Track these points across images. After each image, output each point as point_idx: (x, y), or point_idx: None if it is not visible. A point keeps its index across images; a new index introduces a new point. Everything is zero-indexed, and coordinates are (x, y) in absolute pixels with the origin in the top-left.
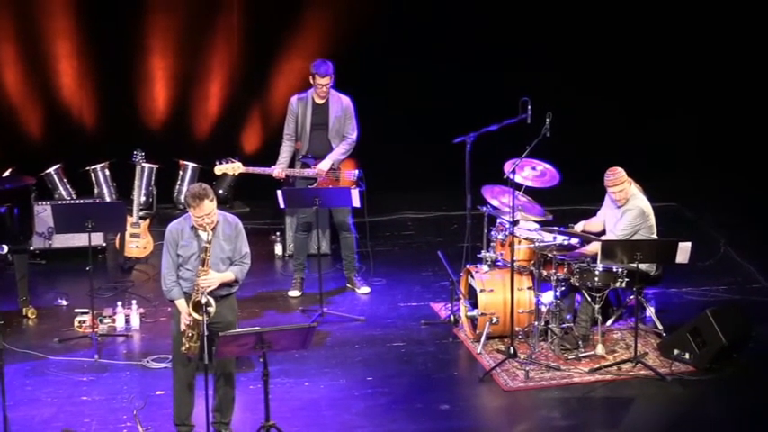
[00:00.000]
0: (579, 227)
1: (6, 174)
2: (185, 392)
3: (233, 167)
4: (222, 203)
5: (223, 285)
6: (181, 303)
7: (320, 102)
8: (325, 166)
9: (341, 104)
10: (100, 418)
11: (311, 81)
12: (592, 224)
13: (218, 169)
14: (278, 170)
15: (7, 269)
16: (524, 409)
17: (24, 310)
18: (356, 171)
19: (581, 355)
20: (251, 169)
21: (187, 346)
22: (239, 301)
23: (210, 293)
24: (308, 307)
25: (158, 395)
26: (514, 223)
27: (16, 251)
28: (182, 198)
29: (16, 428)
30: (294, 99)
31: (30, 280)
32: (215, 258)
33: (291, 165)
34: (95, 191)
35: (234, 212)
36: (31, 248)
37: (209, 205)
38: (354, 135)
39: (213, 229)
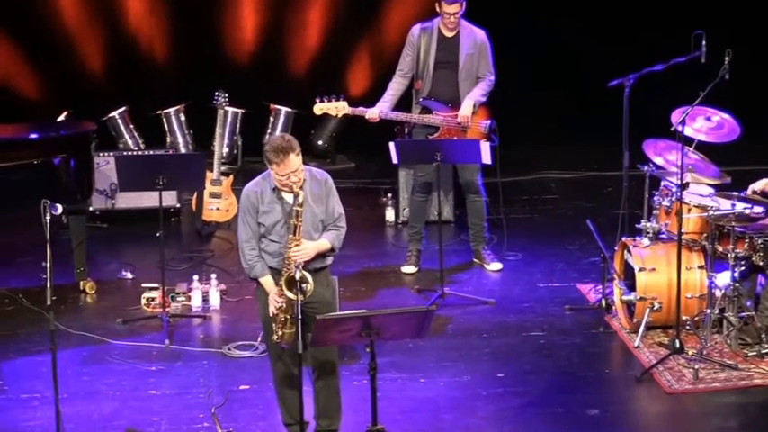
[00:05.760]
0: (759, 185)
1: (62, 118)
2: (288, 386)
3: (336, 107)
4: (322, 158)
5: (317, 257)
6: (267, 281)
7: (449, 35)
8: (466, 110)
9: (474, 39)
10: (171, 415)
11: (437, 8)
12: None
13: (319, 108)
14: (372, 111)
15: (62, 234)
16: (692, 416)
17: (82, 283)
18: (488, 121)
19: (764, 351)
20: (359, 111)
21: (280, 333)
22: (342, 279)
23: (305, 267)
24: (425, 286)
25: (242, 390)
26: (683, 187)
27: (72, 212)
28: None
29: (71, 426)
30: (416, 29)
31: (88, 247)
32: (306, 224)
33: (408, 109)
34: (168, 140)
35: (336, 169)
36: (91, 209)
37: (296, 160)
38: (493, 77)
39: (301, 189)
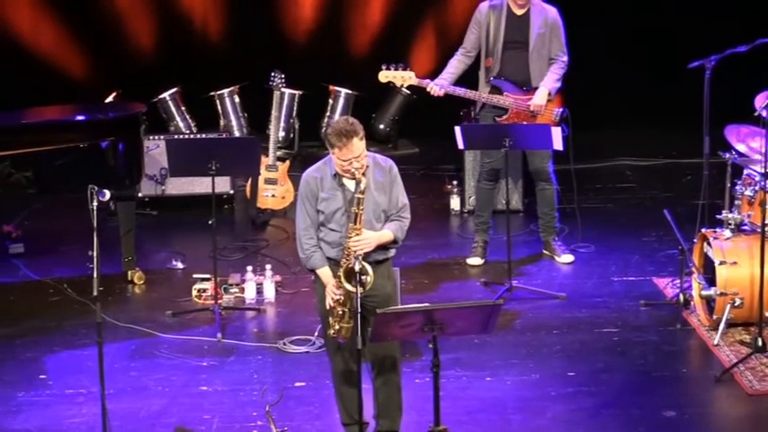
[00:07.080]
0: None
1: (110, 99)
2: (346, 384)
3: (403, 77)
4: (383, 142)
5: (378, 248)
6: (325, 273)
7: (519, 12)
8: (540, 99)
9: (545, 17)
10: (223, 413)
11: None
12: None
13: (384, 75)
14: (433, 85)
15: (109, 221)
16: None
17: (130, 273)
18: (560, 109)
19: None
20: (425, 82)
21: (337, 327)
22: (404, 270)
23: (365, 259)
24: (492, 279)
25: (297, 387)
26: (767, 175)
27: (120, 198)
28: None
29: (118, 424)
30: (484, 6)
31: (137, 235)
32: (367, 213)
33: (473, 88)
34: (221, 122)
35: (398, 154)
36: (140, 195)
37: (359, 145)
38: (566, 58)
39: (363, 176)
